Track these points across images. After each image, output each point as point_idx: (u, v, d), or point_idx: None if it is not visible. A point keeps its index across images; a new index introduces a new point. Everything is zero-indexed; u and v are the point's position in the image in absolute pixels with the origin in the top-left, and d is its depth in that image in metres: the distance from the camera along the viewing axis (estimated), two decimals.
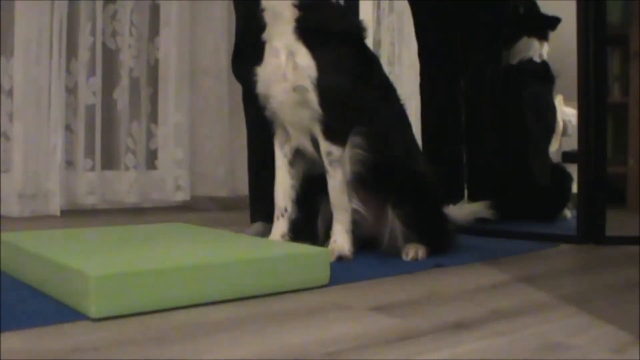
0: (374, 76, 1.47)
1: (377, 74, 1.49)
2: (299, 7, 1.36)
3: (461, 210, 1.73)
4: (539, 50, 2.36)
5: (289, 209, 1.46)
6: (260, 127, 1.58)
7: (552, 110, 2.38)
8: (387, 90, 1.50)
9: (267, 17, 1.40)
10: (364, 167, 1.36)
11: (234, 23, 1.88)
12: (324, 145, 1.37)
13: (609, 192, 1.73)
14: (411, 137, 1.54)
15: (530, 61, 2.34)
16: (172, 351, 0.75)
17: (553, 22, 2.34)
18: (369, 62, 1.48)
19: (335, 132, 1.36)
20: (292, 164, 1.48)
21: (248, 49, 1.52)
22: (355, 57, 1.42)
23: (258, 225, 1.76)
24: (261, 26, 1.41)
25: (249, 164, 1.83)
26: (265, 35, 1.41)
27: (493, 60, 2.25)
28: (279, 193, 1.47)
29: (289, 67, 1.35)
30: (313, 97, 1.34)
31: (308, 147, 1.44)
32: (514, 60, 2.35)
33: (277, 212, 1.48)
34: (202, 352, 0.75)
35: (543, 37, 2.36)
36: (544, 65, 2.37)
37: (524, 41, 2.34)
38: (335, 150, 1.36)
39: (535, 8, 2.40)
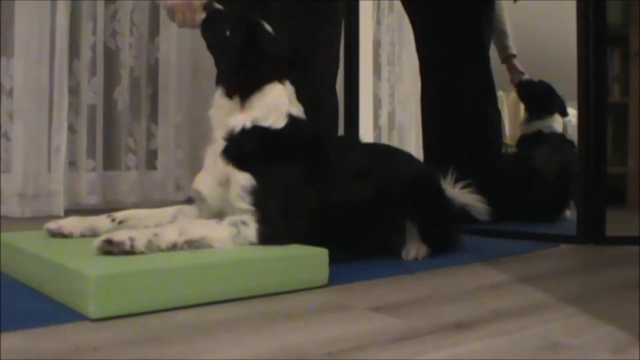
0: (327, 175, 1.31)
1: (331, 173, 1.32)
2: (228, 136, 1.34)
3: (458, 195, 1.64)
4: (563, 124, 2.55)
5: None
6: None
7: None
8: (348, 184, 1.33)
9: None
10: None
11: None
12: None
13: (609, 192, 1.73)
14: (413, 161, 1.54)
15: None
16: (172, 351, 0.75)
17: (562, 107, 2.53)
18: (320, 161, 1.32)
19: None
20: None
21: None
22: (303, 163, 1.27)
23: None
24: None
25: None
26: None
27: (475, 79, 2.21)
28: None
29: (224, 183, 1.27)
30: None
31: None
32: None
33: None
34: (202, 352, 0.75)
35: (563, 113, 2.54)
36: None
37: (550, 117, 2.50)
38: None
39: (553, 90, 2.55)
